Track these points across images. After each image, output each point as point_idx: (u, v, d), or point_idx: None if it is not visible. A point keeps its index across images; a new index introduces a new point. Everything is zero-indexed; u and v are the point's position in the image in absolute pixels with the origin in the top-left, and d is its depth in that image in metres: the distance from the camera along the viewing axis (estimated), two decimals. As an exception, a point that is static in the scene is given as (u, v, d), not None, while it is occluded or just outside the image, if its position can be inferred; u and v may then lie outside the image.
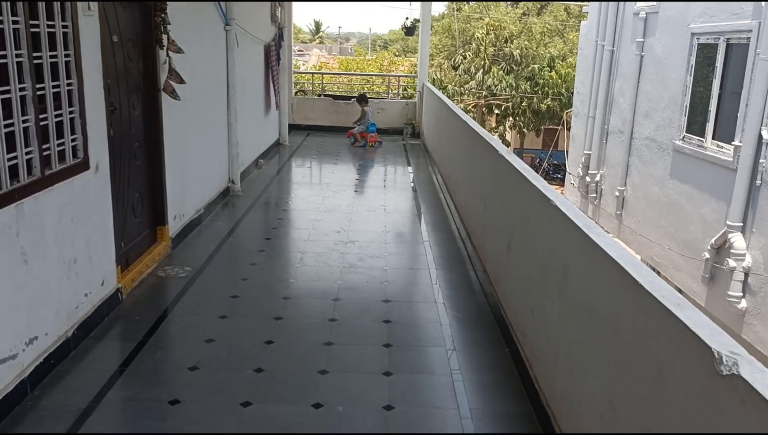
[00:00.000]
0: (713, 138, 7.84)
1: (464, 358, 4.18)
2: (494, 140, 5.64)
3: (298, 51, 45.50)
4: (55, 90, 3.78)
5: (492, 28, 25.14)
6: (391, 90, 18.38)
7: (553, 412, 3.23)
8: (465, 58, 24.12)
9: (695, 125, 8.23)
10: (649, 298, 2.19)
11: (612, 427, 2.48)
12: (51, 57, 3.72)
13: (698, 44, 8.27)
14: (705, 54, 8.18)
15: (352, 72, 29.80)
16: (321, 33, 72.30)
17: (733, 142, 7.23)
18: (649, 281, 2.28)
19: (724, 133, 7.61)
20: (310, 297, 5.15)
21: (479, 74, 23.91)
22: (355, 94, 14.61)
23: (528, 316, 3.85)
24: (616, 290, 2.52)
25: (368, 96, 13.99)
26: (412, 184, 9.53)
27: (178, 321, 4.61)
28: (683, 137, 8.39)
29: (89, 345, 4.16)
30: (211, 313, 4.71)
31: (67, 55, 3.89)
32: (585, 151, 11.43)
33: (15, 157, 3.40)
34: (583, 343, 2.88)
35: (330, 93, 16.50)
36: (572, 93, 14.58)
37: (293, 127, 13.43)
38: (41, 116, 3.62)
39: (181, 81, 5.82)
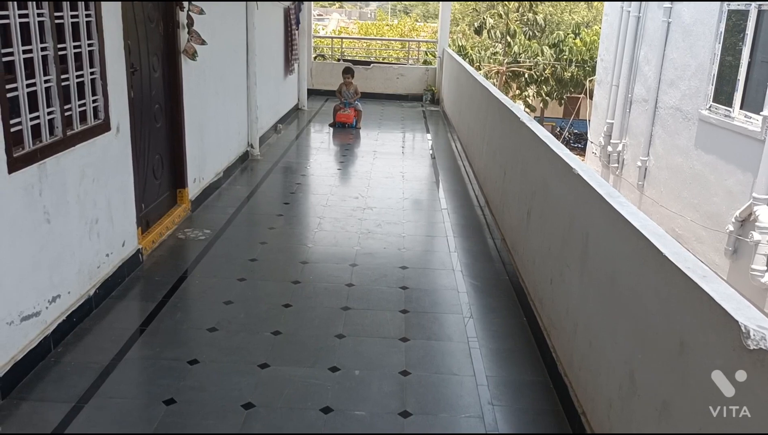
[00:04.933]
0: (741, 108, 7.65)
1: (481, 325, 4.18)
2: (515, 107, 5.55)
3: (318, 15, 44.96)
4: (77, 50, 3.76)
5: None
6: (411, 56, 18.13)
7: (570, 381, 3.23)
8: (488, 22, 23.68)
9: (723, 95, 8.03)
10: (674, 269, 2.15)
11: (631, 399, 2.47)
12: (72, 17, 3.69)
13: (728, 11, 8.02)
14: (735, 21, 7.94)
15: (372, 37, 29.43)
16: (341, -4, 71.18)
17: (761, 113, 7.04)
18: (673, 252, 2.24)
19: (753, 102, 7.42)
20: (327, 262, 5.17)
21: (503, 40, 23.51)
22: (374, 59, 14.40)
23: (546, 285, 3.83)
24: (638, 261, 2.48)
25: (387, 62, 13.77)
26: (431, 151, 9.46)
27: (198, 283, 4.65)
28: (710, 107, 8.20)
29: (110, 304, 4.22)
30: (229, 275, 4.75)
31: (88, 16, 3.87)
32: (607, 120, 11.24)
33: (37, 117, 3.41)
34: (603, 313, 2.86)
35: (349, 58, 16.33)
36: (596, 61, 14.29)
37: (312, 92, 13.34)
38: (63, 77, 3.61)
39: (203, 42, 5.78)
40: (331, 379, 3.51)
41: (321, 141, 10.31)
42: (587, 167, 3.55)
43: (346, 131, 10.57)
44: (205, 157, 6.45)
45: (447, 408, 3.33)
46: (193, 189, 6.09)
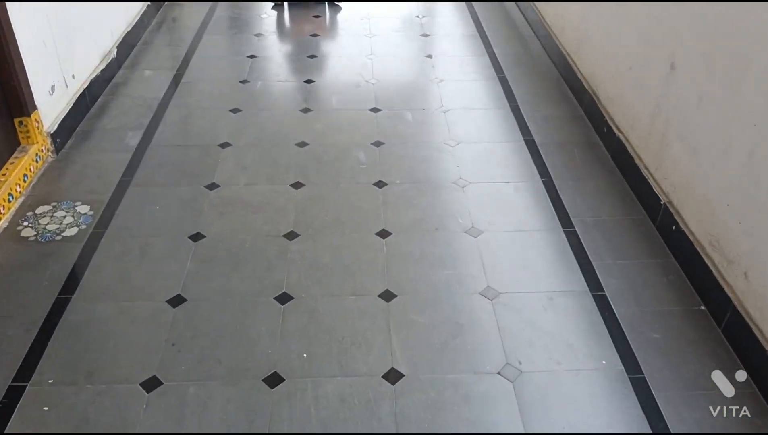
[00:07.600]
0: None
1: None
2: None
3: None
4: None
5: None
6: None
7: None
8: None
9: None
10: None
11: None
12: None
13: None
14: None
15: None
16: None
17: None
18: None
19: None
20: (334, 293, 2.50)
21: None
22: None
23: None
24: None
25: None
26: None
27: (58, 399, 2.05)
28: None
29: None
30: (135, 362, 2.14)
31: None
32: None
33: None
34: None
35: None
36: None
37: None
38: None
39: None
40: None
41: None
42: None
43: (309, 11, 5.20)
44: (72, 32, 3.42)
45: None
46: (51, 108, 3.18)
